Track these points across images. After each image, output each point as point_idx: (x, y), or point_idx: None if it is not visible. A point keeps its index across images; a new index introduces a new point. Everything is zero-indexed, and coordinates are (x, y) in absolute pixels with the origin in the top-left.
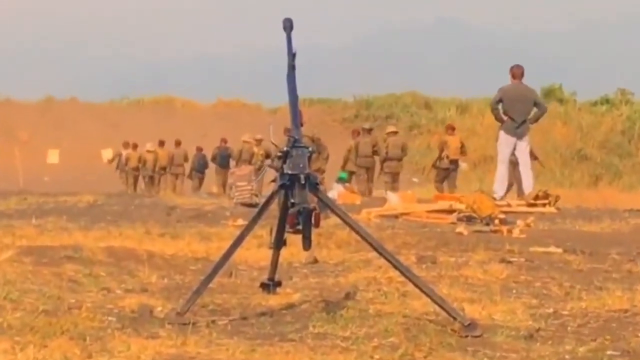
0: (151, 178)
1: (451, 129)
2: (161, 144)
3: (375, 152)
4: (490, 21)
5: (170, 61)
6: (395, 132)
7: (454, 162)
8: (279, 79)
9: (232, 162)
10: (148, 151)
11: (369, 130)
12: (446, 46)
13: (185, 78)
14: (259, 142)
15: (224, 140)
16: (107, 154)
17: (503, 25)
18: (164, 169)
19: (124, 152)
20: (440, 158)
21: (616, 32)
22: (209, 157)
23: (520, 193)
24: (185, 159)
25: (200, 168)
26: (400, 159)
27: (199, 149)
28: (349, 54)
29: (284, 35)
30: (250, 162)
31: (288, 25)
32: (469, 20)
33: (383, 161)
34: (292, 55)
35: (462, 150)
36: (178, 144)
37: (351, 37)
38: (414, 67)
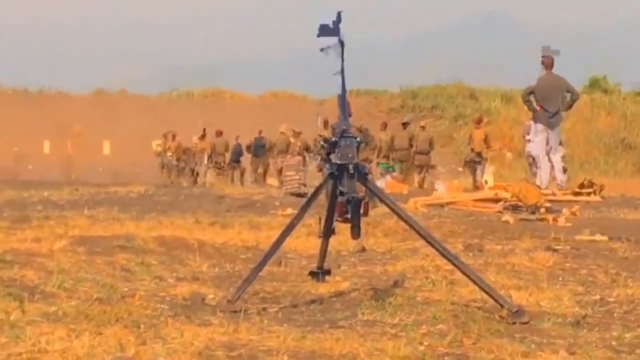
0: (192, 169)
1: (477, 122)
2: (203, 135)
3: (411, 145)
4: (536, 14)
5: (220, 59)
6: (423, 127)
7: (479, 154)
8: (327, 70)
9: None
10: (195, 143)
11: (405, 124)
12: (494, 40)
13: (235, 73)
14: (297, 134)
15: (260, 131)
16: (157, 144)
17: (548, 17)
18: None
19: (167, 144)
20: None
21: None
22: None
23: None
24: (226, 149)
25: (235, 157)
26: (427, 153)
27: (237, 139)
28: (397, 48)
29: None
30: (286, 152)
31: (336, 17)
32: (516, 13)
33: (414, 154)
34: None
35: (486, 141)
36: (219, 134)
37: (401, 32)
38: (462, 62)
